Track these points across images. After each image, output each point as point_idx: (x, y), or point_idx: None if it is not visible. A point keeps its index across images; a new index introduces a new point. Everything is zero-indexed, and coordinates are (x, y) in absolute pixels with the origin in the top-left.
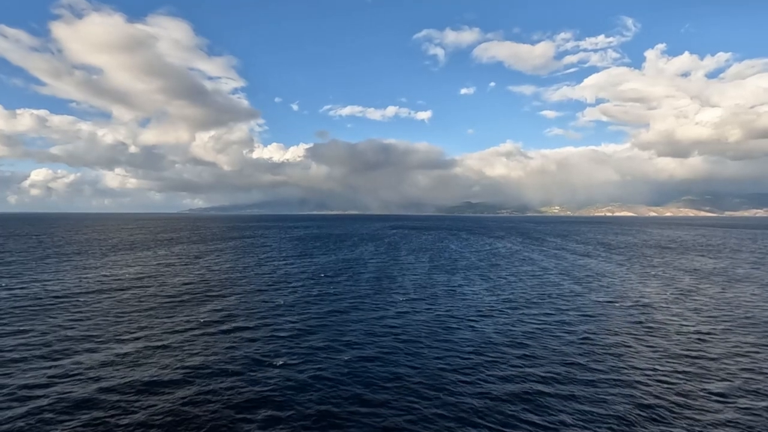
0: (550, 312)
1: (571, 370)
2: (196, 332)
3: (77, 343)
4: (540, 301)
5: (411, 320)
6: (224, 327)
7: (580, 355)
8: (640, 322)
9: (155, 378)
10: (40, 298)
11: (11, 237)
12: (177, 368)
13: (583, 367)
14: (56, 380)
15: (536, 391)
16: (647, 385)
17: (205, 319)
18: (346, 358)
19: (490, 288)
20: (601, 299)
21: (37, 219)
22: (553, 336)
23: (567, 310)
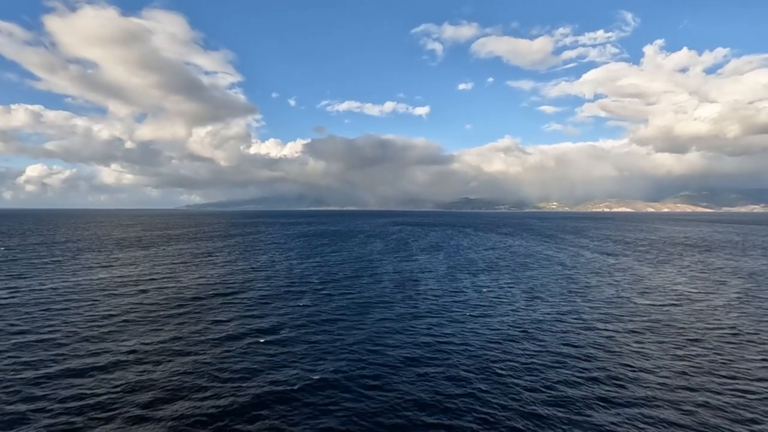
0: (601, 317)
1: (663, 393)
2: (235, 343)
3: (104, 356)
4: (585, 304)
5: (458, 330)
6: (261, 339)
7: (672, 375)
8: (704, 330)
9: (204, 403)
10: (56, 301)
11: (14, 235)
12: (226, 392)
13: (680, 389)
14: (86, 407)
15: (628, 417)
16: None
17: (237, 327)
18: (403, 374)
19: (526, 291)
20: (656, 302)
21: (35, 215)
22: (622, 347)
23: (622, 316)
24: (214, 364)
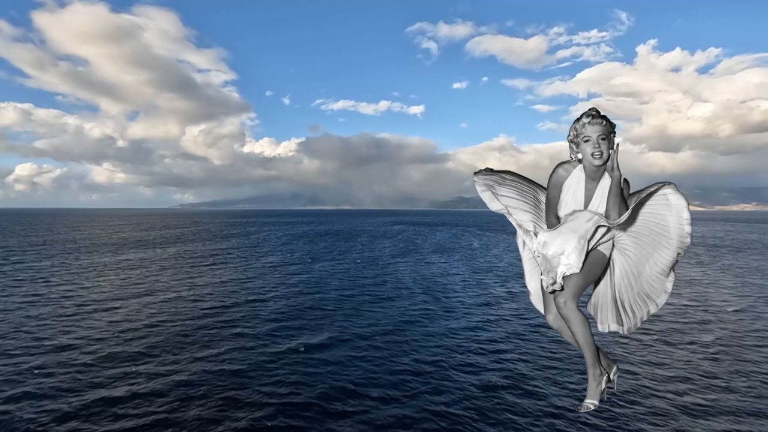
0: (678, 329)
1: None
2: (274, 362)
3: (140, 380)
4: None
5: (516, 345)
6: (302, 353)
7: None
8: None
9: None
10: (69, 310)
11: (10, 235)
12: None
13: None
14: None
15: None
16: None
17: (271, 343)
18: (484, 406)
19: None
20: (723, 309)
21: (26, 214)
22: (734, 368)
23: (696, 327)
24: (263, 390)
